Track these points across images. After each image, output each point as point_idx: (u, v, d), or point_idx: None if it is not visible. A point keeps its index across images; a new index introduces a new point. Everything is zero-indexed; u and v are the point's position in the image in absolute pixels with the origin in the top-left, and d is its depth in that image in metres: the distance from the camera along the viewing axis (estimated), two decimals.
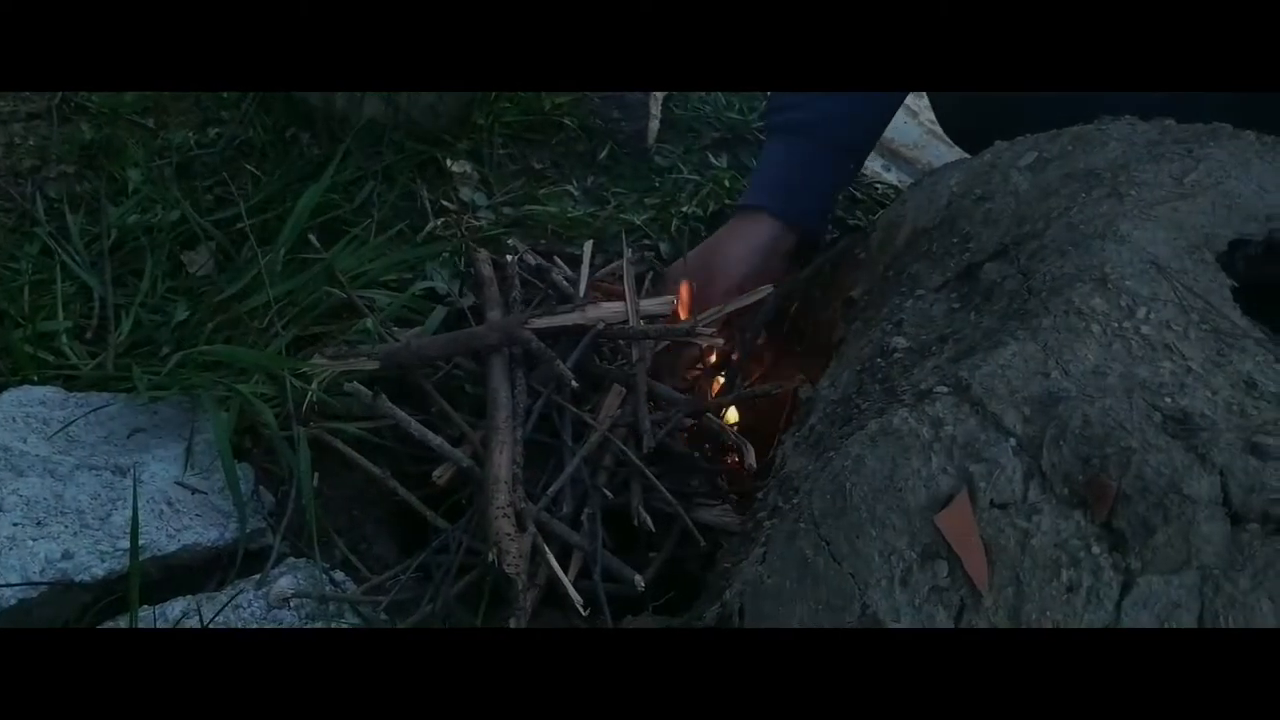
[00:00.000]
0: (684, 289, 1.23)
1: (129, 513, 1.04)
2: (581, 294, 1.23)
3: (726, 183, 1.53)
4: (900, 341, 0.95)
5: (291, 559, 1.06)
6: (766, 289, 1.25)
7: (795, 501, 0.87)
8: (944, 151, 1.67)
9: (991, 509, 0.74)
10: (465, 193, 1.48)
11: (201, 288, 1.29)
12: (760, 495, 1.02)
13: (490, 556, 0.94)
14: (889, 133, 1.68)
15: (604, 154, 1.57)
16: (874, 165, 1.60)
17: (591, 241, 1.34)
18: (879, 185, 1.59)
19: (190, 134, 1.50)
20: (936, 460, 0.77)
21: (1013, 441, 0.75)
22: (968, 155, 1.32)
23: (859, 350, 1.03)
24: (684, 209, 1.48)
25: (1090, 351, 0.78)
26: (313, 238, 1.29)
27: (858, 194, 1.54)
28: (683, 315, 1.22)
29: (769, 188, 1.30)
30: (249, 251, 1.29)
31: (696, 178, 1.55)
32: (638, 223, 1.45)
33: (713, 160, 1.58)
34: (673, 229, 1.45)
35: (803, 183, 1.31)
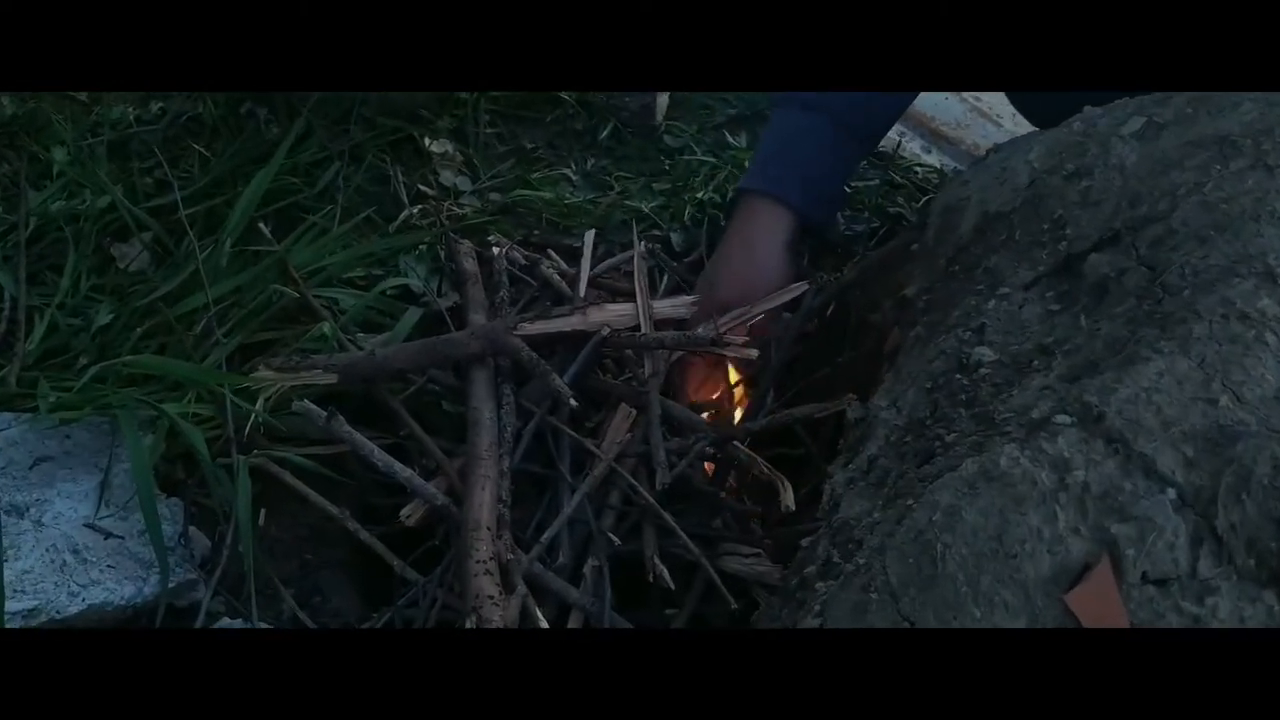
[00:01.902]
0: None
1: (26, 563, 0.85)
2: (581, 293, 1.04)
3: (746, 164, 1.33)
4: (985, 353, 0.76)
5: (226, 619, 0.88)
6: (800, 286, 1.06)
7: (861, 561, 0.68)
8: (991, 131, 1.49)
9: (1145, 585, 0.55)
10: (446, 176, 1.30)
11: (132, 286, 1.10)
12: (805, 543, 0.82)
13: (469, 625, 0.75)
14: (929, 111, 1.51)
15: (606, 133, 1.38)
16: (913, 147, 1.42)
17: (593, 231, 1.14)
18: (919, 169, 1.40)
19: (129, 109, 1.31)
20: (1064, 516, 0.57)
21: (1172, 493, 0.56)
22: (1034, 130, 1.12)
23: (926, 363, 0.83)
24: (698, 194, 1.28)
25: (1268, 369, 0.58)
26: (263, 227, 1.09)
27: (896, 178, 1.35)
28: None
29: (786, 171, 1.10)
30: (190, 244, 1.10)
31: (712, 159, 1.36)
32: (645, 210, 1.26)
33: (730, 140, 1.39)
34: (686, 217, 1.26)
35: (821, 167, 1.11)
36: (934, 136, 1.48)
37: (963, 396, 0.73)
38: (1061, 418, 0.61)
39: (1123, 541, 0.56)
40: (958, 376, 0.76)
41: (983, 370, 0.74)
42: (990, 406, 0.69)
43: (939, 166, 1.41)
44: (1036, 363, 0.71)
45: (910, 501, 0.66)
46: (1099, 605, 0.55)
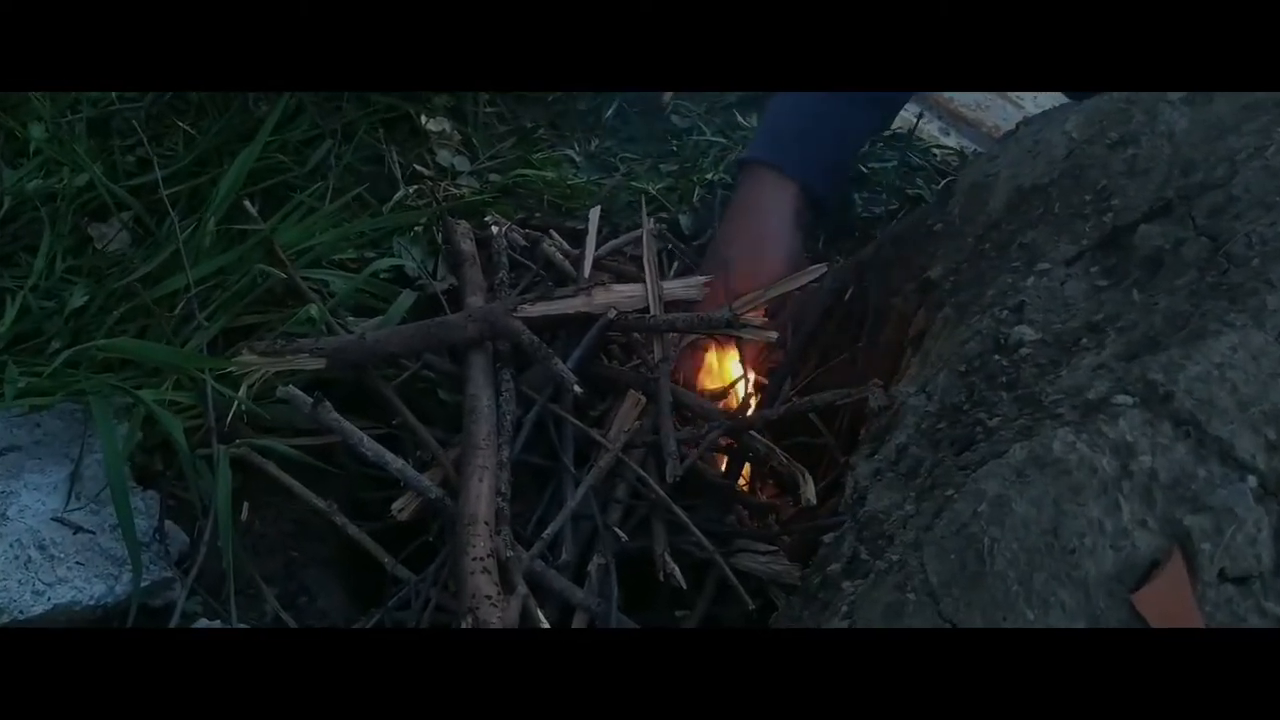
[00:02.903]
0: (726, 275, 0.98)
1: None
2: (586, 273, 0.98)
3: None
4: (1026, 332, 0.70)
5: (204, 620, 0.81)
6: (819, 269, 1.00)
7: (894, 558, 0.62)
8: (1012, 112, 1.44)
9: (1223, 584, 0.49)
10: (444, 156, 1.24)
11: (109, 267, 1.04)
12: (827, 540, 0.76)
13: (464, 626, 0.69)
14: (948, 92, 1.44)
15: (610, 112, 1.33)
16: (931, 128, 1.36)
17: (599, 208, 1.08)
18: (937, 150, 1.34)
19: None
20: (1129, 507, 0.51)
21: (1253, 480, 0.50)
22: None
23: (958, 345, 0.77)
24: (708, 175, 1.22)
25: None
26: (248, 204, 1.03)
27: (915, 159, 1.28)
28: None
29: (786, 140, 1.06)
30: (172, 224, 1.04)
31: (722, 140, 1.30)
32: (652, 192, 1.20)
33: (740, 119, 1.33)
34: (695, 199, 1.20)
35: (824, 136, 1.07)
36: (953, 118, 1.42)
37: (1003, 379, 0.67)
38: (1122, 398, 0.55)
39: (1197, 535, 0.50)
40: (996, 358, 0.70)
41: (1024, 350, 0.69)
42: (1035, 388, 0.63)
43: (958, 148, 1.35)
44: (1085, 340, 0.65)
45: (950, 492, 0.60)
46: (1170, 606, 0.49)
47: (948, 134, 1.38)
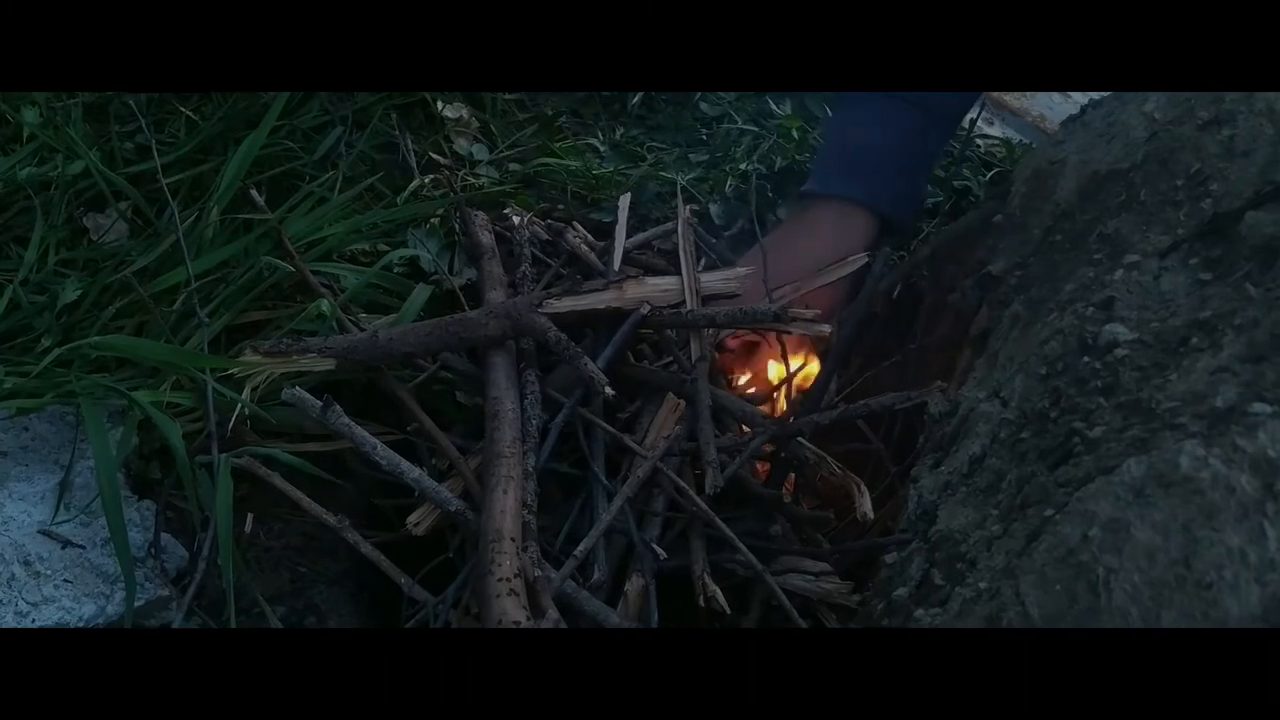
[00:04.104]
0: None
1: None
2: (616, 265, 0.91)
3: (794, 134, 1.20)
4: (1119, 330, 0.62)
5: None
6: (860, 259, 0.93)
7: (982, 585, 0.55)
8: (1058, 102, 1.36)
9: None
10: (461, 144, 1.18)
11: (105, 260, 0.97)
12: (889, 559, 0.69)
13: None
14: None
15: (636, 100, 1.26)
16: (971, 116, 1.27)
17: (629, 195, 1.01)
18: (981, 141, 1.26)
19: None
20: (1276, 534, 0.44)
21: None
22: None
23: (1036, 345, 0.70)
24: (741, 165, 1.15)
25: None
26: (254, 193, 0.97)
27: (966, 151, 1.21)
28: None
29: (873, 172, 0.98)
30: (172, 214, 0.97)
31: (754, 129, 1.23)
32: (682, 182, 1.12)
33: (774, 107, 1.26)
34: (728, 189, 1.12)
35: (908, 160, 1.00)
36: (997, 106, 1.35)
37: (1097, 383, 0.60)
38: (1259, 406, 0.47)
39: None
40: (1085, 359, 0.63)
41: (1119, 351, 0.61)
42: (1141, 394, 0.56)
43: (1003, 138, 1.28)
44: (1196, 340, 0.57)
45: (1049, 512, 0.53)
46: None
47: (992, 124, 1.31)
